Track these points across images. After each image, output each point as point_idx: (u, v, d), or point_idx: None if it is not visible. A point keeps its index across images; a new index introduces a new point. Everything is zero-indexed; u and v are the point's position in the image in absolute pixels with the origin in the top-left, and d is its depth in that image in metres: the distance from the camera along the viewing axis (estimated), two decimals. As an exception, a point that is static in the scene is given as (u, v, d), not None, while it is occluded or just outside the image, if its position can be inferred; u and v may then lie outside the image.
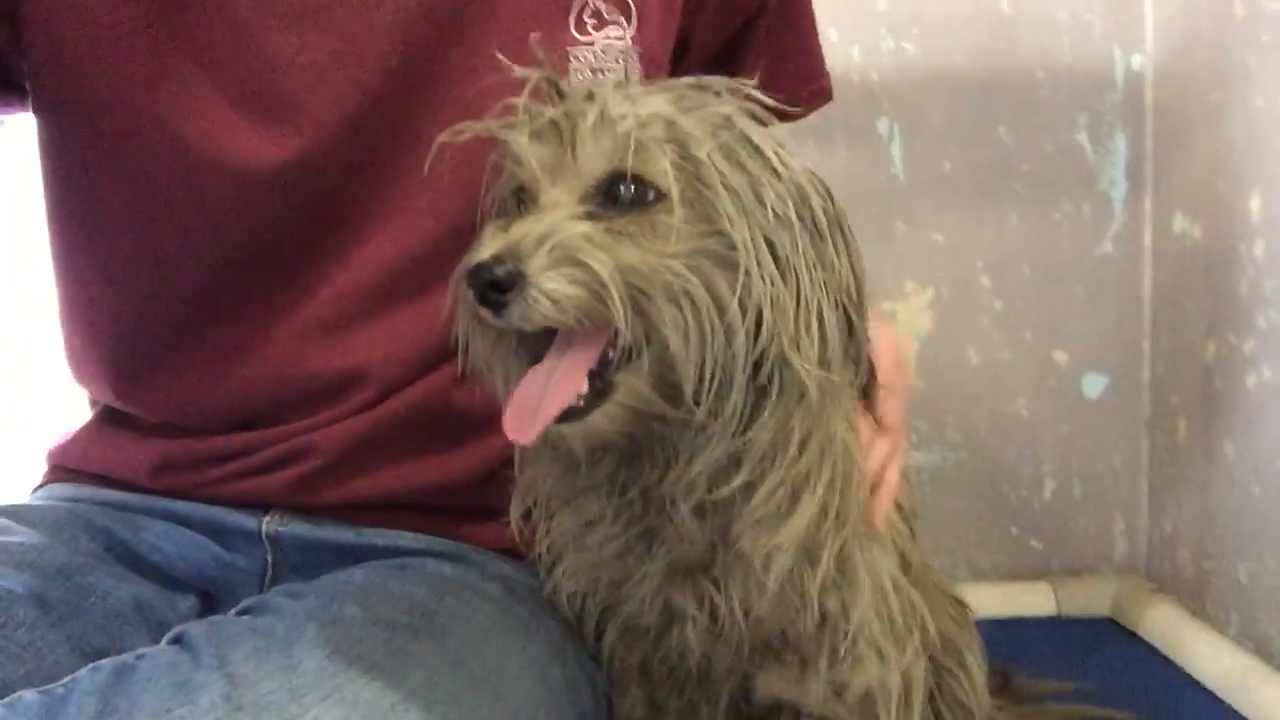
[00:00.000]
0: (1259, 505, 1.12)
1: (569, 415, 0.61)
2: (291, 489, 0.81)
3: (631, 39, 0.82)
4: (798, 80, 0.99)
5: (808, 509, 0.65)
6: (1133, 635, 1.25)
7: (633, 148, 0.60)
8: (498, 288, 0.58)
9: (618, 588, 0.73)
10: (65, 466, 0.89)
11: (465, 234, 0.78)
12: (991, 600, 1.29)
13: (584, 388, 0.61)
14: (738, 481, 0.64)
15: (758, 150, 0.62)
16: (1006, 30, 1.34)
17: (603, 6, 0.81)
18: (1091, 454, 1.39)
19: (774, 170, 0.62)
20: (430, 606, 0.74)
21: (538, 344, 0.63)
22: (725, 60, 0.95)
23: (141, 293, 0.83)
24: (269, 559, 0.83)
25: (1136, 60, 1.34)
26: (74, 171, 0.83)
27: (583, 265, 0.58)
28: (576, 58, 0.81)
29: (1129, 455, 1.38)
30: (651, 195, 0.61)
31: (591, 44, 0.81)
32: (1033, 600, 1.33)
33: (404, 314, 0.80)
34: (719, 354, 0.60)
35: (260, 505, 0.83)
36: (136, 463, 0.85)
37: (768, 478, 0.64)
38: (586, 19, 0.81)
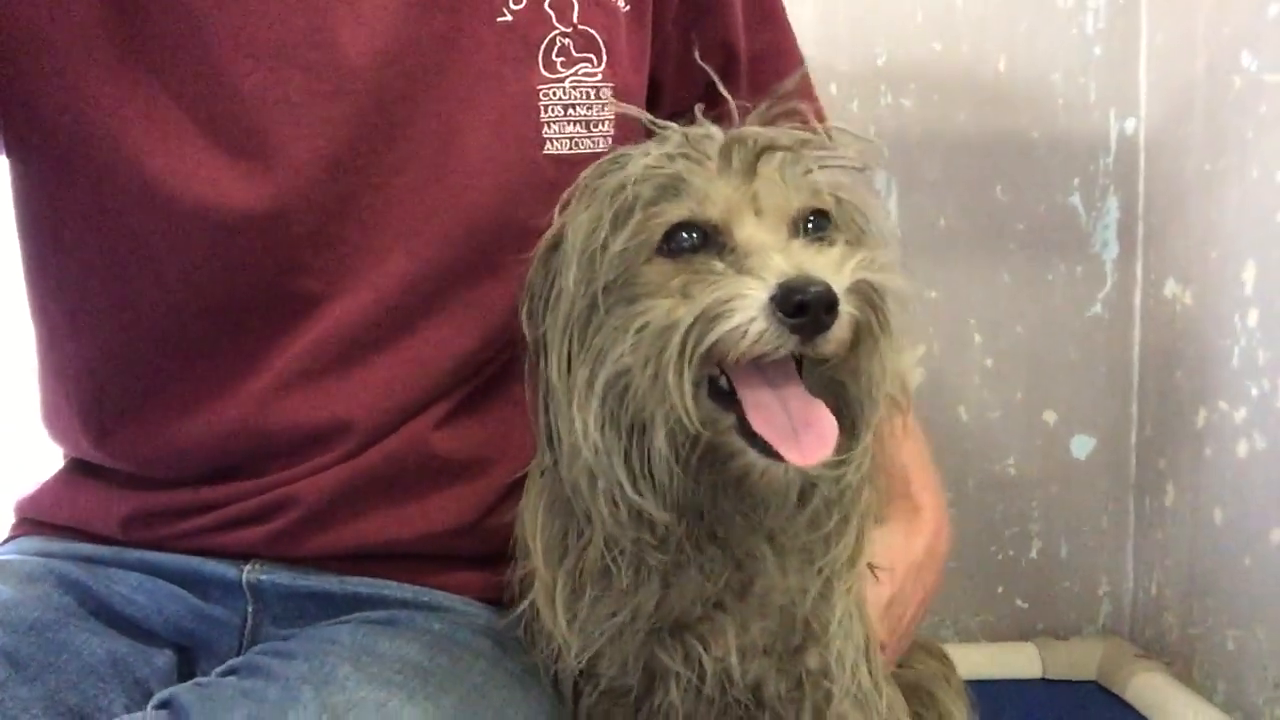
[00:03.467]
0: (1249, 574, 1.12)
1: None
2: (272, 541, 0.79)
3: (603, 74, 0.81)
4: None
5: (866, 541, 0.67)
6: (1119, 700, 1.24)
7: (823, 185, 0.63)
8: (832, 308, 0.56)
9: (594, 651, 0.71)
10: (34, 519, 0.87)
11: (442, 277, 0.78)
12: (977, 661, 1.28)
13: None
14: (835, 520, 0.65)
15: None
16: (1003, 90, 1.35)
17: (570, 44, 0.81)
18: (1079, 515, 1.39)
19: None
20: (424, 665, 0.73)
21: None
22: None
23: (111, 339, 0.81)
24: (249, 609, 0.80)
25: (1130, 124, 1.35)
26: (44, 215, 0.81)
27: (874, 291, 0.59)
28: (546, 94, 0.80)
29: (1116, 517, 1.39)
30: (829, 231, 0.64)
31: (561, 82, 0.81)
32: (1018, 662, 1.32)
33: (384, 361, 0.79)
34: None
35: (240, 555, 0.81)
36: (108, 515, 0.82)
37: (852, 516, 0.65)
38: (555, 58, 0.81)
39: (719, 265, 0.59)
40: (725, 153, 0.63)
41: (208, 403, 0.79)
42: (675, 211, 0.62)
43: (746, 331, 0.56)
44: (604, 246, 0.62)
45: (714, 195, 0.62)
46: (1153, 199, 1.34)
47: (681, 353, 0.57)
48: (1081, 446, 1.38)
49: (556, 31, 0.80)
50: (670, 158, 0.63)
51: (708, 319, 0.57)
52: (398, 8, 0.77)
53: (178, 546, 0.81)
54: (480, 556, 0.80)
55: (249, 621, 0.81)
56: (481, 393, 0.82)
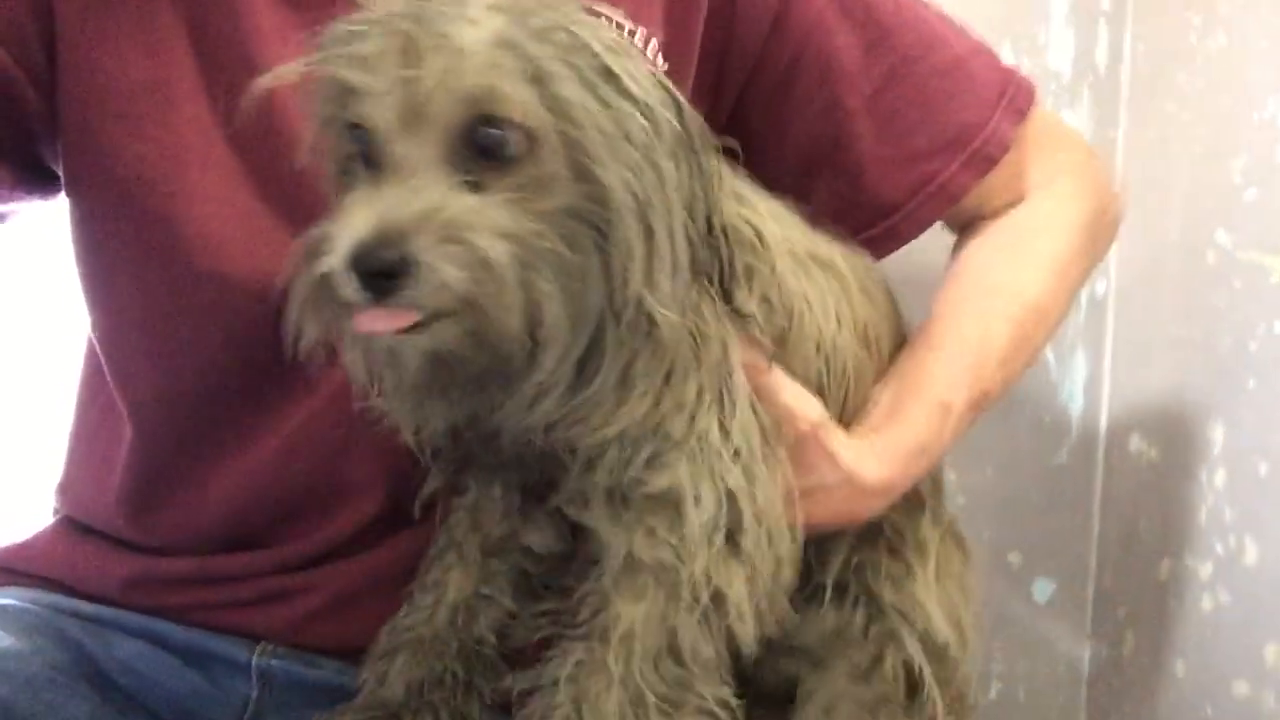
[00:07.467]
0: (1213, 726, 1.16)
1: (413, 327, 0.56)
2: (286, 628, 0.78)
3: None
4: (858, 211, 0.94)
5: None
6: None
7: (492, 90, 0.56)
8: (389, 275, 0.54)
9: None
10: (20, 570, 0.83)
11: None
12: (937, 800, 1.28)
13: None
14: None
15: (612, 75, 0.58)
16: (984, 243, 1.42)
17: None
18: (1037, 658, 1.41)
19: (631, 96, 0.58)
20: None
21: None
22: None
23: (144, 396, 0.80)
24: (254, 695, 0.78)
25: (1100, 286, 1.43)
26: (96, 251, 0.81)
27: (476, 250, 0.55)
28: None
29: (1072, 664, 1.41)
30: (515, 140, 0.57)
31: None
32: (976, 802, 1.32)
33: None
34: (584, 320, 0.59)
35: (250, 635, 0.79)
36: (107, 575, 0.80)
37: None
38: None
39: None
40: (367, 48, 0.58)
41: (240, 451, 0.79)
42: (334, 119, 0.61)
43: (327, 279, 0.57)
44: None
45: (369, 109, 0.58)
46: (1119, 359, 1.41)
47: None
48: (1043, 590, 1.42)
49: None
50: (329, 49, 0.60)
51: (305, 259, 0.59)
52: None
53: (182, 619, 0.79)
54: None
55: (251, 707, 0.78)
56: None
